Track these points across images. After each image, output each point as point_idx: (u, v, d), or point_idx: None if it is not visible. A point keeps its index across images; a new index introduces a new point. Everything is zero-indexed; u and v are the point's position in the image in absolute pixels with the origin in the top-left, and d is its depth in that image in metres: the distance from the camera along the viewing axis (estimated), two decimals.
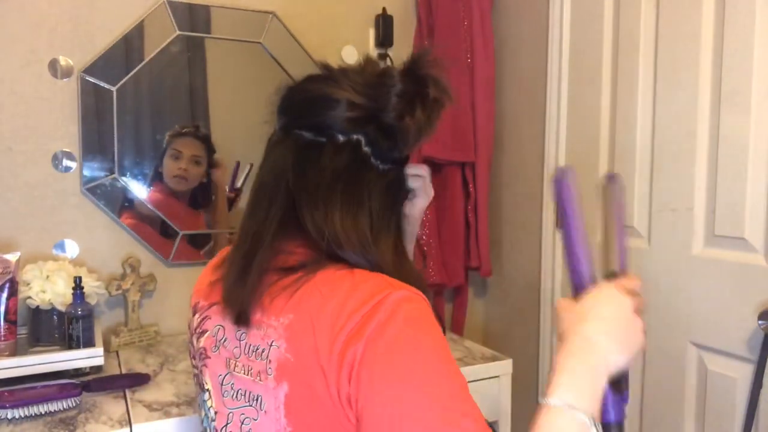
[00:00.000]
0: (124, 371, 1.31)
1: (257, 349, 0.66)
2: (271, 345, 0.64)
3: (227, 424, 0.71)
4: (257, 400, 0.66)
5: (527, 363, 1.76)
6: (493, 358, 1.44)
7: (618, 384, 0.59)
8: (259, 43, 1.65)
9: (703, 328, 1.30)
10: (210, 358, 0.75)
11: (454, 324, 1.95)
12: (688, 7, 1.30)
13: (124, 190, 1.52)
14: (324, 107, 0.70)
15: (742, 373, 1.22)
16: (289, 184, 0.70)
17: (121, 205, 1.53)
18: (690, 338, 1.33)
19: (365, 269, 0.65)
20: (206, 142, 1.62)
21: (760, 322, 1.17)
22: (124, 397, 1.16)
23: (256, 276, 0.67)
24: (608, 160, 1.52)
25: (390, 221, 0.72)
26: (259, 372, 0.66)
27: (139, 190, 1.54)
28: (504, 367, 1.44)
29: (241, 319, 0.67)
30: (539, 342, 1.73)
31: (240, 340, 0.69)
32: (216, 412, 0.74)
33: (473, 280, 1.97)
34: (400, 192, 0.76)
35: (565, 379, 0.57)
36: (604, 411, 0.58)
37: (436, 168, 1.85)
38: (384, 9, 1.80)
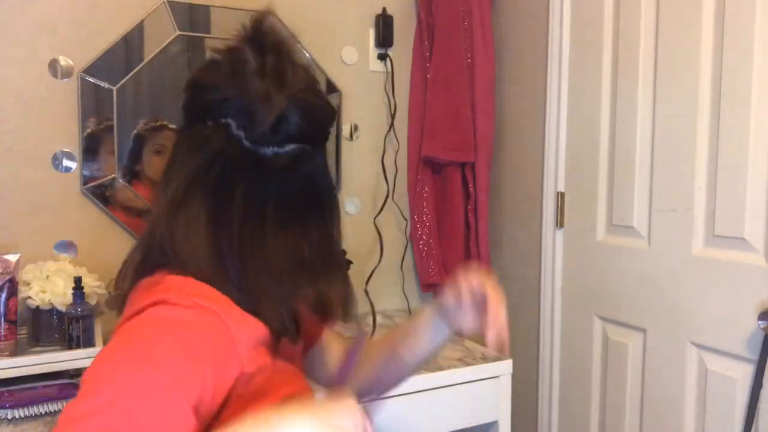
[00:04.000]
0: None
1: None
2: None
3: None
4: None
5: (527, 363, 1.76)
6: (493, 358, 1.44)
7: None
8: None
9: (703, 328, 1.30)
10: None
11: None
12: (688, 7, 1.30)
13: (124, 190, 1.52)
14: None
15: (742, 373, 1.23)
16: None
17: (121, 205, 1.53)
18: (690, 338, 1.33)
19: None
20: None
21: (760, 322, 1.17)
22: None
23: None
24: (608, 160, 1.52)
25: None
26: None
27: (139, 190, 1.54)
28: (504, 367, 1.43)
29: None
30: (539, 342, 1.73)
31: None
32: None
33: None
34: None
35: None
36: None
37: (436, 168, 1.85)
38: (384, 9, 1.80)
